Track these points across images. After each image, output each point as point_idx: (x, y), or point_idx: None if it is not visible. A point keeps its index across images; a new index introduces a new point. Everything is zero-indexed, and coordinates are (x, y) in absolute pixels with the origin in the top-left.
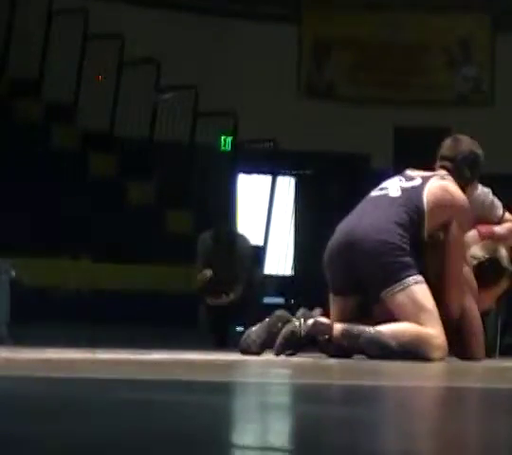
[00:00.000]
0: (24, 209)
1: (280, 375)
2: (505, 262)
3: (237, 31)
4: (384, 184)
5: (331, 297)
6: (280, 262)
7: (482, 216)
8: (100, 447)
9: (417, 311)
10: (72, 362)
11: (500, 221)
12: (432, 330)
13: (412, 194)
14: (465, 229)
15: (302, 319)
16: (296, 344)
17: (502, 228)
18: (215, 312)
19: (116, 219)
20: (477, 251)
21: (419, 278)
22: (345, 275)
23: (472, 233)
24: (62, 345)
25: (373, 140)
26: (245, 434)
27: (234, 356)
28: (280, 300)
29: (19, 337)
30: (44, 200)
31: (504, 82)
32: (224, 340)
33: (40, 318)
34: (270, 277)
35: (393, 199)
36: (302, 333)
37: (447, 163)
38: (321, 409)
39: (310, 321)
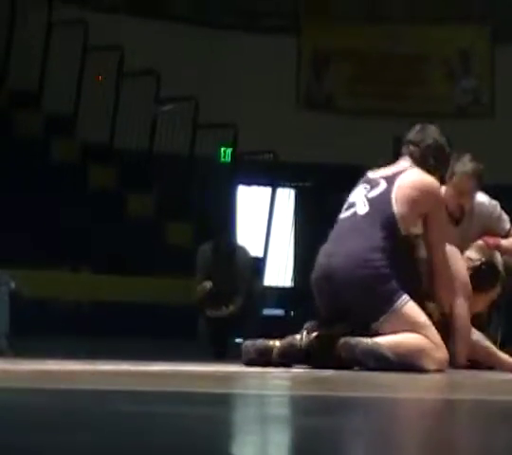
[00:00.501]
0: (24, 222)
1: (279, 387)
2: (500, 266)
3: (237, 43)
4: (351, 198)
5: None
6: (279, 273)
7: (488, 228)
8: None
9: (414, 329)
10: (72, 374)
11: (507, 235)
12: (432, 343)
13: (380, 205)
14: (441, 218)
15: (305, 332)
16: (294, 356)
17: (509, 242)
18: (215, 324)
19: (116, 231)
20: (472, 254)
21: (405, 298)
22: (330, 305)
23: (479, 243)
24: (61, 357)
25: (372, 152)
26: (244, 446)
27: (234, 368)
28: (279, 312)
29: (19, 349)
30: (44, 212)
31: (504, 94)
32: (223, 352)
33: (40, 329)
34: (270, 288)
35: (363, 218)
36: (302, 345)
37: (412, 148)
38: (320, 420)
39: (313, 335)
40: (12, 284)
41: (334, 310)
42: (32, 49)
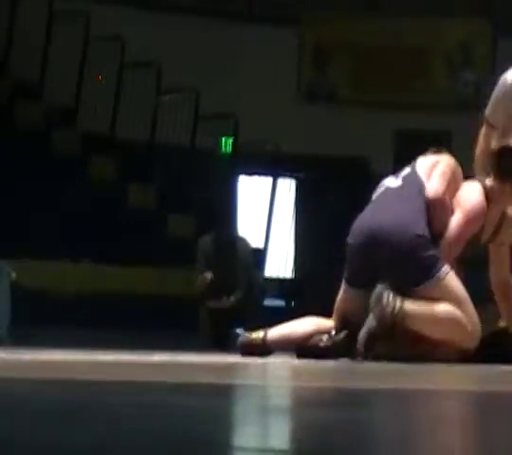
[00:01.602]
0: (24, 212)
1: (280, 378)
2: None
3: (238, 35)
4: (380, 186)
5: (344, 286)
6: (280, 264)
7: None
8: (101, 449)
9: (452, 301)
10: (73, 364)
11: None
12: (466, 318)
13: (410, 178)
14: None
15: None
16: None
17: None
18: (216, 315)
19: (117, 222)
20: None
21: (447, 268)
22: (368, 269)
23: None
24: (62, 347)
25: (373, 144)
26: (245, 437)
27: (235, 359)
28: (280, 303)
29: (19, 340)
30: (45, 203)
31: None
32: (224, 343)
33: (40, 320)
34: (271, 279)
35: (399, 189)
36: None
37: None
38: (321, 411)
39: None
40: (13, 275)
41: (370, 274)
42: (33, 40)
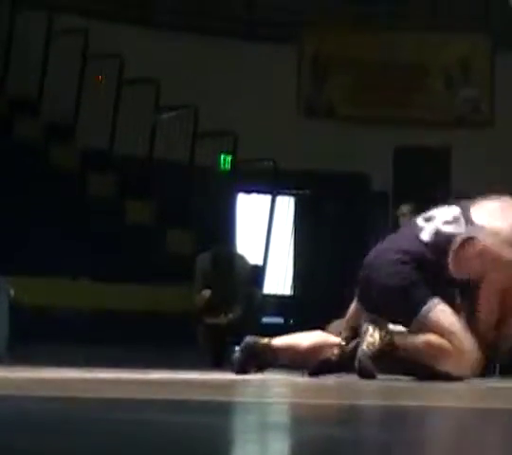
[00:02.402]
0: (23, 229)
1: (278, 395)
2: None
3: (237, 51)
4: (435, 213)
5: (356, 301)
6: (279, 281)
7: None
8: None
9: (444, 335)
10: (71, 382)
11: None
12: (455, 347)
13: (443, 243)
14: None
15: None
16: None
17: None
18: (214, 332)
19: (115, 239)
20: None
21: (431, 304)
22: (367, 302)
23: None
24: (61, 365)
25: (372, 160)
26: (245, 454)
27: (232, 376)
28: (279, 320)
29: (18, 357)
30: (43, 219)
31: (504, 103)
32: (222, 360)
33: (39, 337)
34: (269, 296)
35: (419, 242)
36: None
37: None
38: (319, 428)
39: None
40: (12, 292)
41: (372, 306)
42: (32, 56)
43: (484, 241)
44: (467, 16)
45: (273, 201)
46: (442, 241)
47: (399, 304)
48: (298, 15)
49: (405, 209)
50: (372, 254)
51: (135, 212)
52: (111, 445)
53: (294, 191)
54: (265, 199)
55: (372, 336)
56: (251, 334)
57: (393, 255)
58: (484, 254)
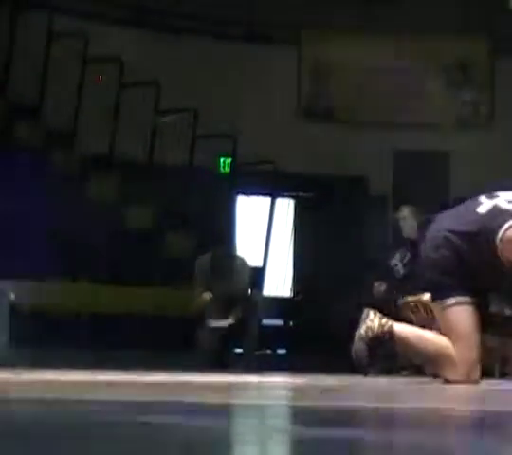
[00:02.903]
0: (23, 232)
1: (279, 397)
2: None
3: (237, 54)
4: (499, 193)
5: None
6: (279, 283)
7: None
8: None
9: (448, 332)
10: (72, 384)
11: None
12: (453, 355)
13: (499, 216)
14: None
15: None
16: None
17: None
18: (215, 334)
19: (116, 242)
20: None
21: (454, 300)
22: None
23: None
24: (61, 367)
25: (372, 163)
26: None
27: (234, 378)
28: (279, 322)
29: (18, 360)
30: (43, 223)
31: (504, 105)
32: (223, 362)
33: (39, 340)
34: (269, 298)
35: (478, 214)
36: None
37: None
38: (320, 431)
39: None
40: (12, 295)
41: None
42: (32, 61)
43: None
44: (467, 18)
45: (273, 203)
46: (497, 215)
47: (430, 284)
48: (298, 17)
49: (406, 211)
50: (429, 229)
51: (135, 215)
52: (109, 448)
53: (294, 194)
54: (265, 201)
55: (371, 321)
56: (252, 335)
57: (444, 232)
58: None
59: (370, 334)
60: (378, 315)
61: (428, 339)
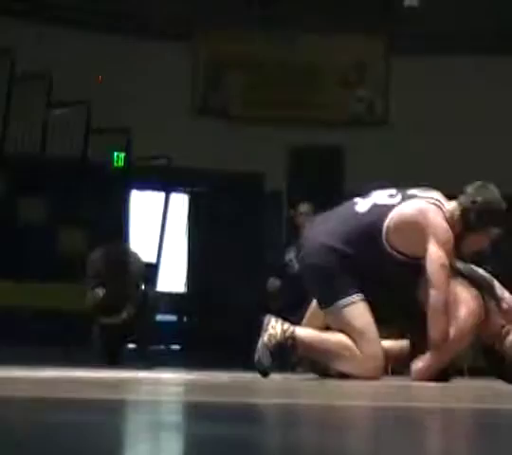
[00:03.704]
0: None
1: (172, 393)
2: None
3: (132, 49)
4: (373, 193)
5: None
6: (173, 279)
7: None
8: None
9: (349, 332)
10: None
11: None
12: (356, 349)
13: (379, 211)
14: (445, 250)
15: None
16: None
17: None
18: (108, 330)
19: (7, 237)
20: None
21: (350, 300)
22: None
23: None
24: None
25: (267, 159)
26: (136, 453)
27: (127, 374)
28: (173, 318)
29: None
30: None
31: (398, 103)
32: (116, 358)
33: None
34: (163, 294)
35: (355, 215)
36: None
37: (463, 199)
38: (212, 428)
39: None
40: None
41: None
42: None
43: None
44: (363, 17)
45: (167, 198)
46: (377, 211)
47: (321, 288)
48: (193, 13)
49: (304, 208)
50: (307, 235)
51: (26, 210)
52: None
53: (188, 189)
54: (159, 196)
55: (273, 328)
56: (145, 332)
57: (325, 237)
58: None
59: (273, 341)
60: (280, 321)
61: (329, 339)
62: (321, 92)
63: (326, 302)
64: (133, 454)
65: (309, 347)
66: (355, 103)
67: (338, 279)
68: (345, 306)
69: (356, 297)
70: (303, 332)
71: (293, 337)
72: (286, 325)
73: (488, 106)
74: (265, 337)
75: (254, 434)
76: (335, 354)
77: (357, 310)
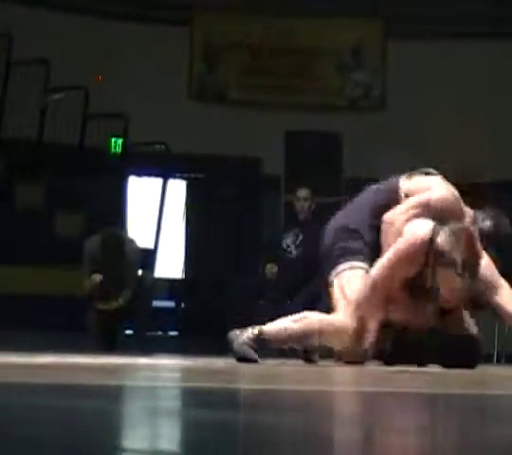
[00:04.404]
0: None
1: (169, 379)
2: None
3: (129, 33)
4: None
5: None
6: (170, 265)
7: None
8: None
9: (339, 297)
10: None
11: None
12: (339, 317)
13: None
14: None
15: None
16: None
17: None
18: (105, 316)
19: (5, 222)
20: None
21: (356, 264)
22: None
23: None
24: None
25: (264, 144)
26: (134, 439)
27: (124, 360)
28: (170, 304)
29: None
30: None
31: (395, 88)
32: (113, 344)
33: None
34: (160, 280)
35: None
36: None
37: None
38: (211, 413)
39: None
40: None
41: None
42: None
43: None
44: (361, 1)
45: (164, 184)
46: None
47: (325, 262)
48: None
49: (303, 193)
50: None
51: (24, 195)
52: None
53: (185, 175)
54: (157, 182)
55: (238, 339)
56: (142, 317)
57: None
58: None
59: (246, 340)
60: (242, 330)
61: (290, 323)
62: (319, 76)
63: (342, 261)
64: (130, 439)
65: (282, 339)
66: (352, 88)
67: (361, 239)
68: (337, 274)
69: (364, 265)
70: (268, 328)
71: (262, 339)
72: (250, 329)
73: (487, 90)
74: (239, 339)
75: (250, 419)
76: (307, 332)
77: (348, 279)
